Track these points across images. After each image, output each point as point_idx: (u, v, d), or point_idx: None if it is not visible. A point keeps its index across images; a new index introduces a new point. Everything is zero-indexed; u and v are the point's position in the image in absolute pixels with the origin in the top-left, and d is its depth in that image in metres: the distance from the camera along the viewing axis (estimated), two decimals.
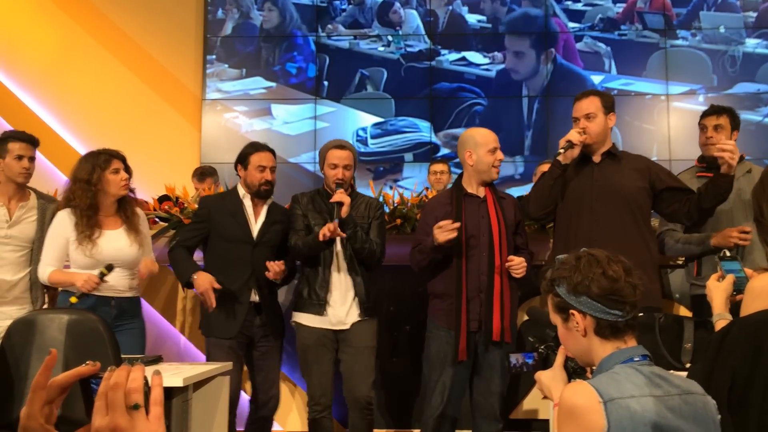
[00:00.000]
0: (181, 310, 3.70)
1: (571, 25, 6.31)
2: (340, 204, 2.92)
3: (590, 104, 2.89)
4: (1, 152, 3.12)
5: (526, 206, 2.97)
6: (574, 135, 2.84)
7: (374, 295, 3.12)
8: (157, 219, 3.66)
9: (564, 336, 1.49)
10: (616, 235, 2.73)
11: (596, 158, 2.92)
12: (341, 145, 3.13)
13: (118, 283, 2.95)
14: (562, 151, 2.83)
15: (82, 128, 6.12)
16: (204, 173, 4.89)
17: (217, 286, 2.97)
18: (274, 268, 2.98)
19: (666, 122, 6.14)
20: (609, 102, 2.93)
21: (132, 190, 3.05)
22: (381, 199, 3.66)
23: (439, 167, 5.01)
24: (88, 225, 2.93)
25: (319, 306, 3.01)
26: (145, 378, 0.80)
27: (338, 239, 3.01)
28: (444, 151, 6.10)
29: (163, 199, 3.77)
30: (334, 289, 3.03)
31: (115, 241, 2.98)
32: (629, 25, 6.31)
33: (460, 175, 2.99)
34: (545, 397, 1.64)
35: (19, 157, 3.10)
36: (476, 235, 2.83)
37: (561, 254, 1.53)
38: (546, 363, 1.66)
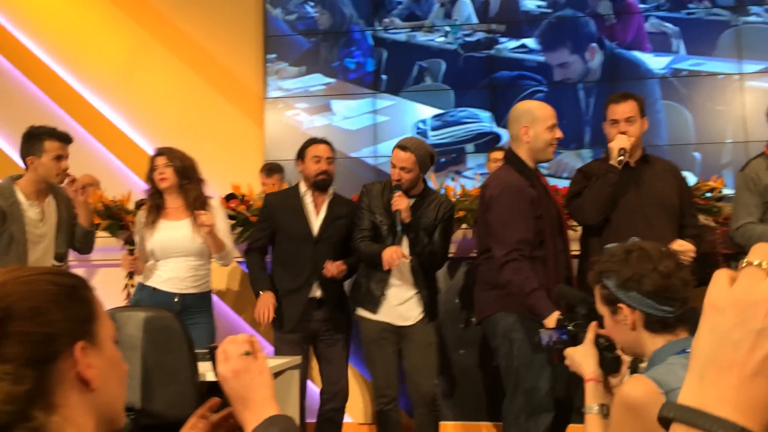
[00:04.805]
0: (252, 305, 3.81)
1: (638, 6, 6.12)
2: (399, 211, 2.92)
3: (630, 108, 2.86)
4: (35, 150, 2.97)
5: (579, 212, 2.90)
6: (624, 141, 2.79)
7: (435, 297, 3.11)
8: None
9: (611, 327, 1.48)
10: (666, 239, 2.69)
11: (632, 163, 2.89)
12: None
13: (180, 277, 3.04)
14: (621, 158, 2.78)
15: (151, 130, 6.34)
16: (272, 169, 5.00)
17: (272, 313, 3.10)
18: (332, 270, 3.03)
19: (740, 102, 5.88)
20: (643, 105, 2.91)
21: (194, 180, 3.13)
22: (443, 191, 3.65)
23: (499, 155, 4.89)
24: (150, 214, 3.09)
25: (375, 304, 3.02)
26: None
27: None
28: (506, 140, 6.03)
29: (229, 197, 3.87)
30: (392, 288, 3.02)
31: (175, 231, 3.06)
32: (697, 3, 6.07)
33: (511, 153, 2.79)
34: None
35: (58, 158, 2.99)
36: (554, 220, 2.73)
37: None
38: (575, 341, 1.65)
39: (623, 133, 2.82)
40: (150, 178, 3.15)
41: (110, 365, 0.91)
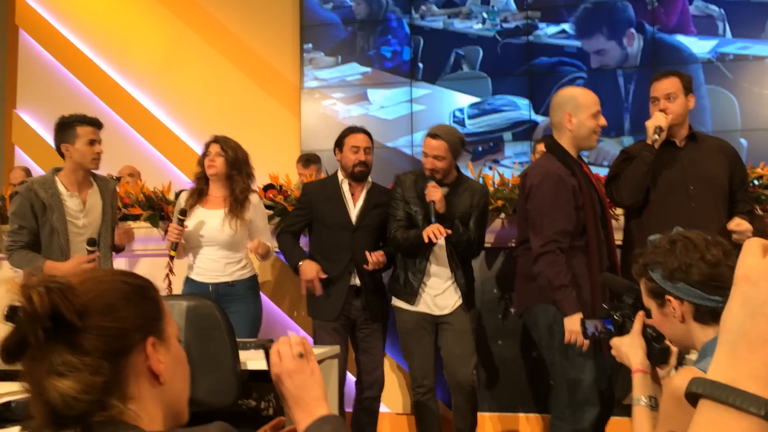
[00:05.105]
0: (290, 294, 3.83)
1: None
2: (434, 202, 2.90)
3: (671, 84, 2.77)
4: (69, 137, 2.98)
5: (615, 194, 2.84)
6: (661, 119, 2.72)
7: (472, 286, 3.09)
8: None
9: (659, 321, 1.45)
10: (712, 220, 2.63)
11: (679, 142, 2.80)
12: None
13: (212, 267, 3.08)
14: (656, 137, 2.71)
15: (189, 121, 6.42)
16: (309, 160, 5.02)
17: (322, 275, 3.07)
18: (373, 259, 3.03)
19: None
20: (688, 82, 2.81)
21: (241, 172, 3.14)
22: (481, 180, 3.62)
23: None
24: (191, 197, 3.13)
25: (412, 295, 3.02)
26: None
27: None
28: (543, 129, 5.96)
29: (267, 188, 3.90)
30: (429, 278, 3.02)
31: (207, 219, 3.08)
32: None
33: (552, 141, 2.73)
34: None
35: (92, 142, 2.99)
36: (596, 209, 2.67)
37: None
38: (622, 331, 1.62)
39: (663, 111, 2.76)
40: (200, 164, 3.18)
41: (177, 361, 0.98)
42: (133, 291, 0.95)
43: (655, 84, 2.83)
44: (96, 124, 3.06)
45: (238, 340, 2.32)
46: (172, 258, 3.08)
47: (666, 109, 2.76)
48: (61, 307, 0.85)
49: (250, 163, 3.18)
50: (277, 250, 3.43)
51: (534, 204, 2.63)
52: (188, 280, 3.15)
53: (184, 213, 3.05)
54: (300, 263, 3.11)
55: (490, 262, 3.58)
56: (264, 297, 3.88)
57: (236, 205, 3.09)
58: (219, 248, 3.09)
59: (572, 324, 2.47)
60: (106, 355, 0.88)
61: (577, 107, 2.67)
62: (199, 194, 3.15)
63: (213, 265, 3.09)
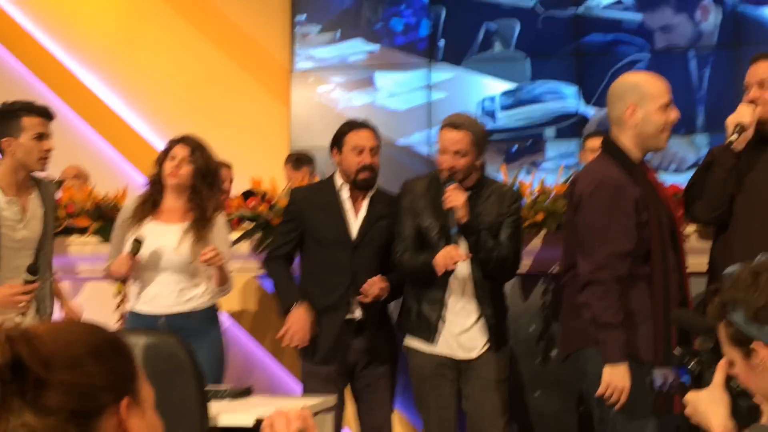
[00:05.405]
0: (274, 328, 3.82)
1: None
2: (454, 209, 2.88)
3: (767, 68, 2.75)
4: (11, 129, 2.96)
5: (688, 208, 2.84)
6: (744, 113, 2.70)
7: (503, 321, 3.08)
8: (242, 218, 3.77)
9: (745, 373, 1.45)
10: None
11: None
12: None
13: (164, 294, 3.08)
14: (735, 136, 2.70)
15: (151, 111, 6.42)
16: (300, 160, 5.03)
17: (308, 333, 3.09)
18: (372, 290, 3.02)
19: None
20: None
21: (213, 184, 3.17)
22: (516, 188, 3.62)
23: (596, 142, 4.81)
24: (142, 209, 3.12)
25: (429, 330, 2.99)
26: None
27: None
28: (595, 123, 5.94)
29: (247, 195, 3.89)
30: (451, 311, 3.00)
31: (160, 236, 3.08)
32: None
33: (610, 140, 2.71)
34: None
35: (40, 136, 2.98)
36: (664, 227, 2.64)
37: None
38: (699, 383, 1.61)
39: (752, 102, 2.74)
40: (159, 163, 3.18)
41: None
42: (104, 344, 0.98)
43: (751, 67, 2.81)
44: (46, 114, 3.06)
45: (208, 389, 2.32)
46: (122, 299, 3.13)
47: (757, 99, 2.74)
48: (24, 356, 0.89)
49: (220, 176, 3.23)
50: (259, 273, 3.43)
51: (584, 219, 2.61)
52: (132, 314, 3.16)
53: (139, 243, 3.03)
54: (294, 305, 3.13)
55: (527, 291, 3.57)
56: (241, 331, 3.87)
57: (201, 222, 3.10)
58: (173, 272, 3.10)
59: (614, 375, 2.46)
60: (72, 416, 0.91)
61: (642, 98, 2.65)
62: (152, 204, 3.16)
63: (165, 293, 3.09)
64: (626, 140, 2.68)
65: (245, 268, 3.68)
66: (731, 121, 2.74)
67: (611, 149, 2.71)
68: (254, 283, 3.83)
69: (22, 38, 6.73)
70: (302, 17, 6.43)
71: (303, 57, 6.40)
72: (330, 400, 2.82)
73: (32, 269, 2.92)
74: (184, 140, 3.18)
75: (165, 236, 3.10)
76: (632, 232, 2.57)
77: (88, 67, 6.62)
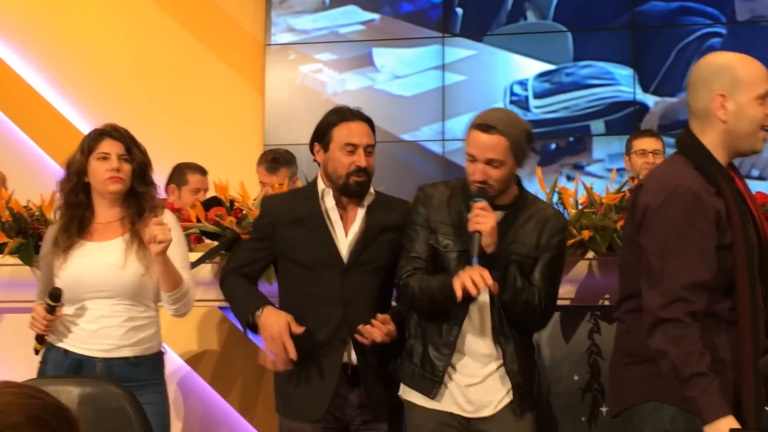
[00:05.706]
0: (242, 379, 3.77)
1: None
2: (479, 233, 2.86)
3: None
4: None
5: None
6: None
7: (532, 373, 3.09)
8: (201, 235, 3.76)
9: None
10: None
11: None
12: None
13: (104, 331, 3.08)
14: None
15: (86, 98, 6.43)
16: (276, 161, 5.01)
17: (296, 329, 3.01)
18: (373, 333, 3.00)
19: None
20: None
21: (147, 183, 3.18)
22: (555, 198, 3.59)
23: (649, 143, 4.89)
24: (67, 233, 3.12)
25: (433, 382, 2.99)
26: None
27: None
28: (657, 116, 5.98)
29: (211, 204, 3.88)
30: (462, 357, 3.01)
31: (98, 257, 3.09)
32: None
33: (690, 137, 2.72)
34: None
35: None
36: (754, 253, 2.63)
37: None
38: None
39: None
40: (77, 171, 3.18)
41: None
42: (45, 410, 1.08)
43: None
44: None
45: None
46: (38, 352, 3.14)
47: None
48: None
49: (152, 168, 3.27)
50: (223, 304, 3.37)
51: (651, 238, 2.61)
52: (55, 350, 3.13)
53: (57, 297, 3.03)
54: (258, 312, 3.06)
55: (568, 329, 3.58)
56: (200, 380, 3.84)
57: (136, 229, 3.12)
58: (118, 300, 3.11)
59: None
60: None
61: (735, 85, 2.63)
62: (79, 225, 3.14)
63: (106, 327, 3.09)
64: (711, 139, 2.68)
65: (207, 297, 3.67)
66: None
67: (689, 149, 2.70)
68: (217, 315, 3.81)
69: None
70: None
71: (281, 27, 6.45)
72: None
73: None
74: (113, 133, 3.18)
75: (106, 256, 3.11)
76: (713, 256, 2.56)
77: (8, 42, 6.63)
